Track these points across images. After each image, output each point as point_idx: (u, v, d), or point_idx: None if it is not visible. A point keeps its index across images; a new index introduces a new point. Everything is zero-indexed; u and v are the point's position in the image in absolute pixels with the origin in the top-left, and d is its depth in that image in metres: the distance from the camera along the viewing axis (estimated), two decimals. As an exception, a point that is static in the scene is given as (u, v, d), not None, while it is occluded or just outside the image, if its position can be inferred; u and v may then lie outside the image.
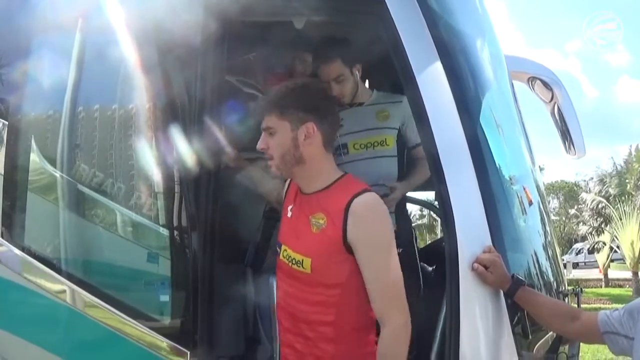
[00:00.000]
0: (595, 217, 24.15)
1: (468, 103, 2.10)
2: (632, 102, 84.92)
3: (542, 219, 2.72)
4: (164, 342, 2.15)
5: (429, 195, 3.92)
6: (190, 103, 2.24)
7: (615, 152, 74.24)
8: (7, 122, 2.56)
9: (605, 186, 24.37)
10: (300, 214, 1.95)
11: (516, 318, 1.98)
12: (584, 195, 27.03)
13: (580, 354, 2.81)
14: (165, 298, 2.27)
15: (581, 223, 26.49)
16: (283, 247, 1.97)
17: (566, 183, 38.59)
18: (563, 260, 18.52)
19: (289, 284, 1.96)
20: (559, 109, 3.37)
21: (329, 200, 1.89)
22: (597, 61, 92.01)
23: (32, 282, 2.36)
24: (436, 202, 2.81)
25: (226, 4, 2.06)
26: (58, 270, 2.35)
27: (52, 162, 2.48)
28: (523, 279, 1.96)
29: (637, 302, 1.89)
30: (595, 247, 23.00)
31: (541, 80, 3.37)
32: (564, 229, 31.61)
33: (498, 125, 2.32)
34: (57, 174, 2.46)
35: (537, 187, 2.86)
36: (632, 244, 16.89)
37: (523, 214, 2.33)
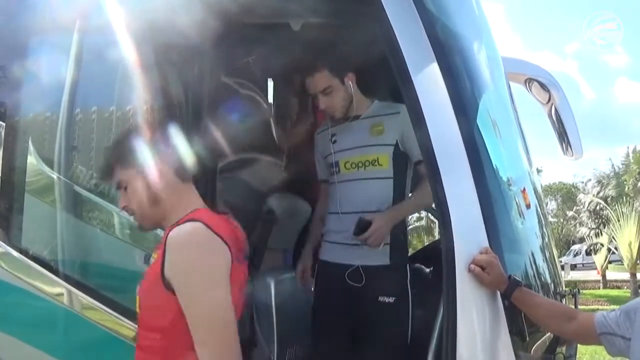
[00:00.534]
0: (593, 218, 24.20)
1: (465, 104, 2.09)
2: (630, 103, 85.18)
3: (539, 221, 2.72)
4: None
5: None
6: (188, 104, 2.24)
7: (613, 153, 74.53)
8: (3, 124, 2.56)
9: (603, 188, 24.37)
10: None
11: (513, 319, 1.97)
12: (581, 196, 27.12)
13: (578, 356, 2.81)
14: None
15: (579, 225, 26.55)
16: None
17: (564, 184, 38.64)
18: (561, 261, 18.55)
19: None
20: (556, 111, 3.38)
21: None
22: (595, 62, 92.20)
23: (29, 284, 2.36)
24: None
25: (222, 6, 2.07)
26: (56, 272, 2.35)
27: (50, 164, 2.48)
28: (520, 280, 1.96)
29: (634, 302, 1.89)
30: (593, 248, 23.00)
31: (538, 82, 3.38)
32: (562, 231, 31.59)
33: (495, 127, 2.31)
34: (55, 176, 2.46)
35: (535, 188, 2.87)
36: (629, 245, 16.88)
37: (520, 215, 2.33)
